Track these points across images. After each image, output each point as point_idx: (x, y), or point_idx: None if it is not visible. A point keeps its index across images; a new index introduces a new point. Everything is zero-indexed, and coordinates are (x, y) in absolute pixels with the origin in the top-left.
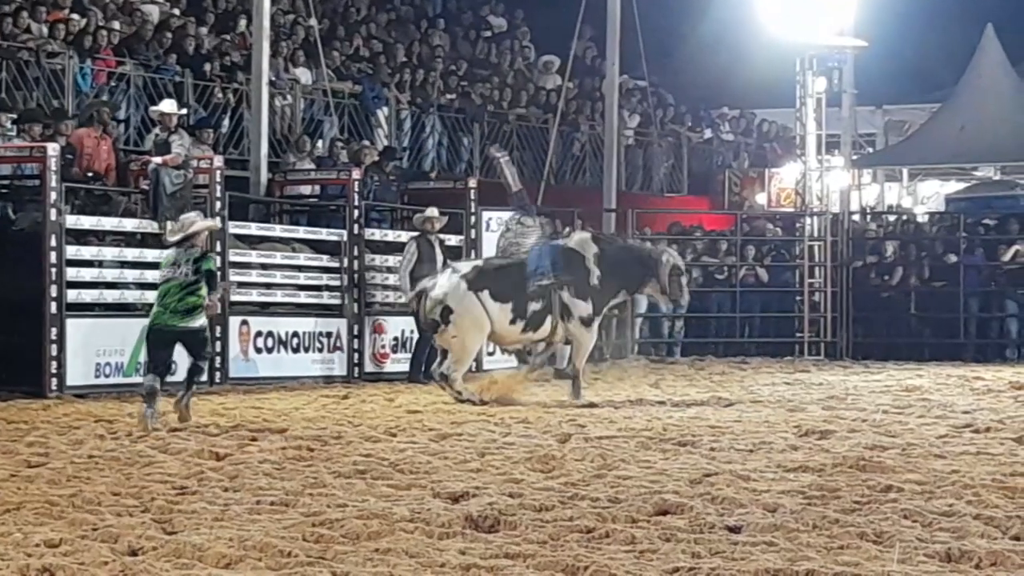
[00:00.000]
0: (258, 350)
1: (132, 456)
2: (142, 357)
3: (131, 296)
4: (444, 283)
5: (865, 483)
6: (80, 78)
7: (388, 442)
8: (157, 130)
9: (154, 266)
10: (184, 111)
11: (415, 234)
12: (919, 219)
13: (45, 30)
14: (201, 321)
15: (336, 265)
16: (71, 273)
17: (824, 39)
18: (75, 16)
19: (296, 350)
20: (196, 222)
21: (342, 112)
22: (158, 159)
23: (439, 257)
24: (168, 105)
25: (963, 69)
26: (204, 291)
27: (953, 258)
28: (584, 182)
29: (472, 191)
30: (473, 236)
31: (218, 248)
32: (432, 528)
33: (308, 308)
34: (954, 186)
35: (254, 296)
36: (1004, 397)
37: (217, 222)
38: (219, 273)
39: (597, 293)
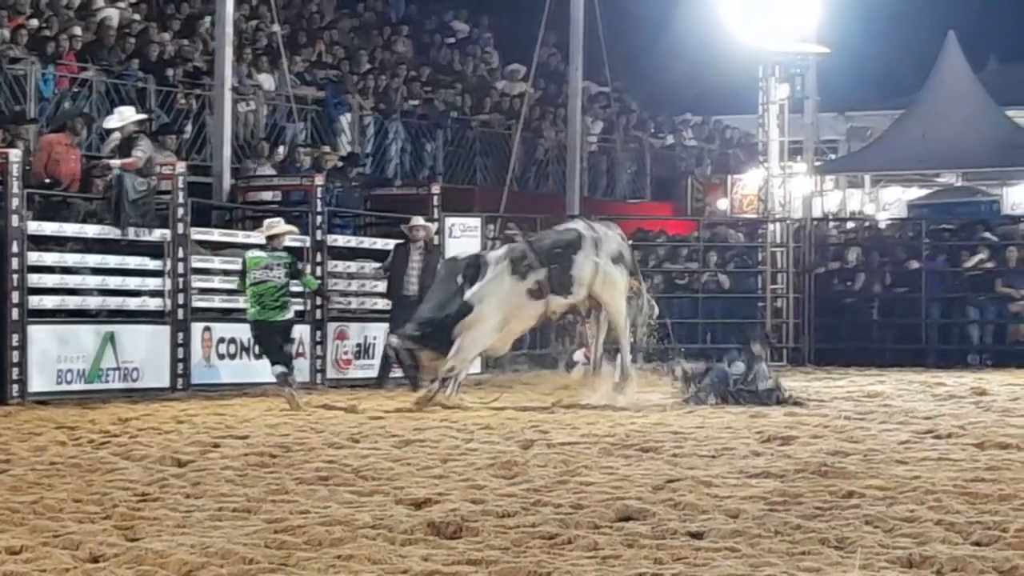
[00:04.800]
0: (220, 356)
1: (94, 463)
2: (104, 363)
3: (93, 302)
4: None
5: (827, 489)
6: (42, 84)
7: (351, 448)
8: (117, 134)
9: (116, 272)
10: (144, 116)
11: (399, 241)
12: (881, 225)
13: (7, 35)
14: (291, 315)
15: None
16: (33, 279)
17: (787, 45)
18: (35, 21)
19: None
20: (276, 226)
21: (305, 118)
22: (117, 162)
23: (414, 265)
24: (115, 120)
25: (925, 76)
26: (292, 290)
27: (915, 264)
28: (547, 188)
29: (435, 197)
30: (436, 242)
31: (180, 255)
32: (395, 535)
33: None
34: (916, 192)
35: (216, 303)
36: (966, 403)
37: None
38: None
39: None
